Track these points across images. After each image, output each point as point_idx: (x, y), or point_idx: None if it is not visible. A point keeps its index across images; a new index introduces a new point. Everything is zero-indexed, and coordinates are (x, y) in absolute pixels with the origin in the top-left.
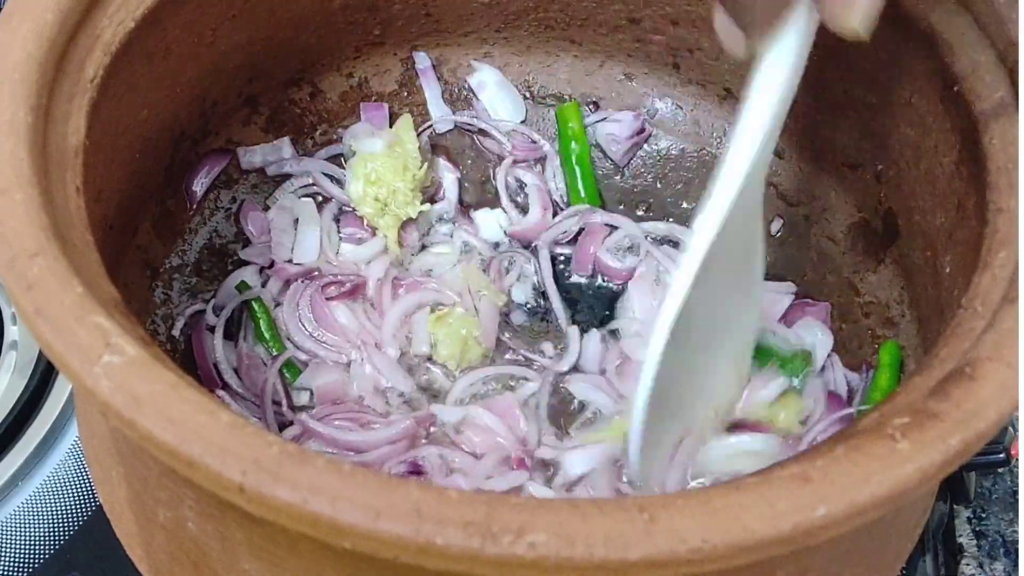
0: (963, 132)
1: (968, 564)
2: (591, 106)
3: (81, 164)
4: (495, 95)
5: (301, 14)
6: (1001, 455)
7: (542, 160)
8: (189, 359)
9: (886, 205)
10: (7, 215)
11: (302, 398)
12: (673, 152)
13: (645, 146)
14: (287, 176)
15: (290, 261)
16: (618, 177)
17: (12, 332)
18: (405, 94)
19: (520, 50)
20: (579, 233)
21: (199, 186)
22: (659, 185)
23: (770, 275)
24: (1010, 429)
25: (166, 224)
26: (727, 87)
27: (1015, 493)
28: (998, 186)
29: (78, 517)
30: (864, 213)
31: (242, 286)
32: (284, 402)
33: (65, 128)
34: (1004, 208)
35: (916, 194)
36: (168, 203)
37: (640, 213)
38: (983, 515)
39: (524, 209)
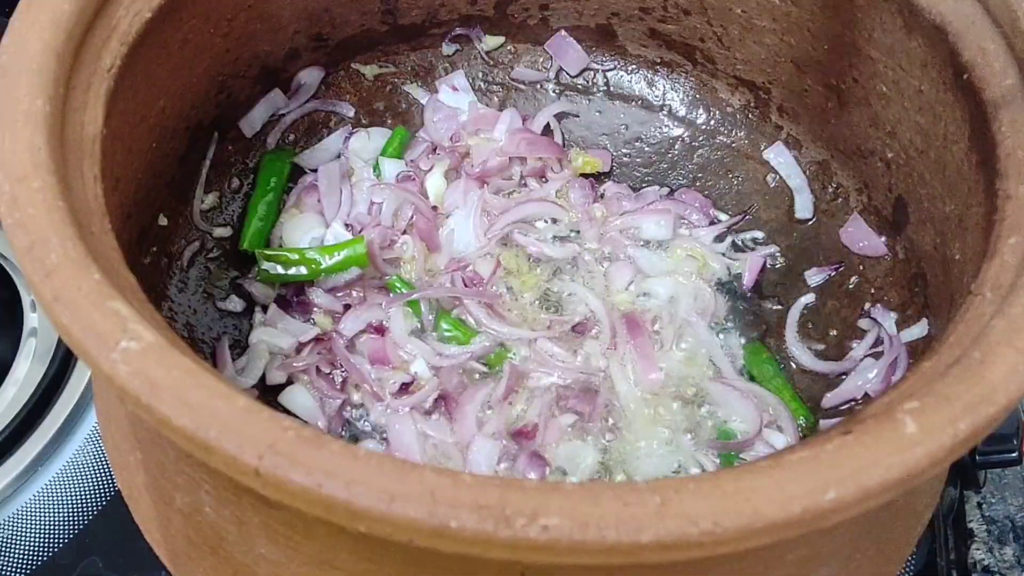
0: (972, 120)
1: (978, 549)
2: None
3: (99, 153)
4: None
5: (318, 3)
6: (1014, 454)
7: None
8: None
9: (896, 192)
10: (26, 203)
11: None
12: (685, 139)
13: (656, 133)
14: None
15: None
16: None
17: (32, 319)
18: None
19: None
20: None
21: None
22: (672, 173)
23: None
24: (1020, 415)
25: (182, 212)
26: (737, 76)
27: None
28: (1007, 173)
29: (97, 502)
30: (874, 200)
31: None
32: None
33: (83, 117)
34: (1013, 195)
35: (926, 181)
36: (184, 192)
37: None
38: (993, 500)
39: None
